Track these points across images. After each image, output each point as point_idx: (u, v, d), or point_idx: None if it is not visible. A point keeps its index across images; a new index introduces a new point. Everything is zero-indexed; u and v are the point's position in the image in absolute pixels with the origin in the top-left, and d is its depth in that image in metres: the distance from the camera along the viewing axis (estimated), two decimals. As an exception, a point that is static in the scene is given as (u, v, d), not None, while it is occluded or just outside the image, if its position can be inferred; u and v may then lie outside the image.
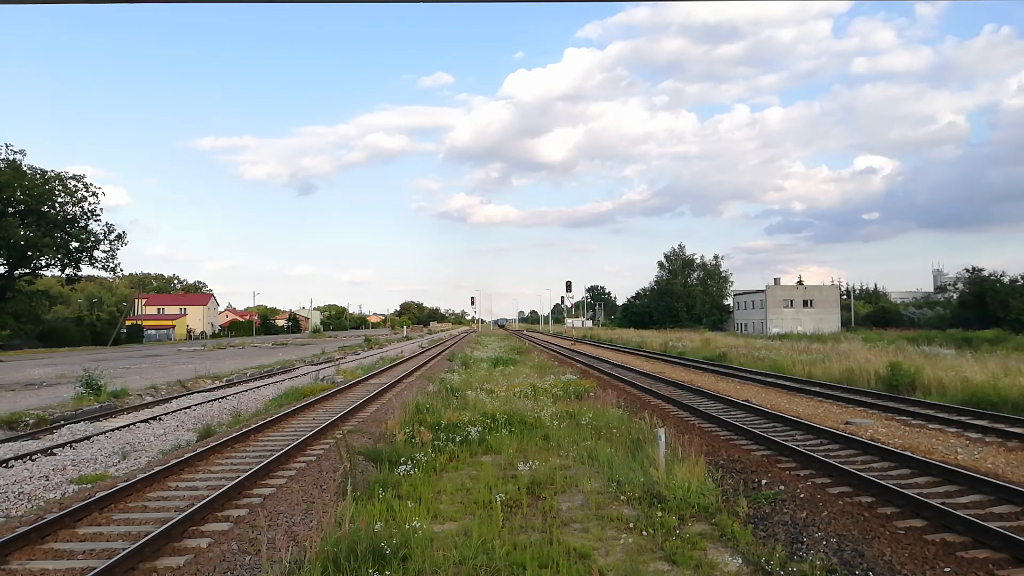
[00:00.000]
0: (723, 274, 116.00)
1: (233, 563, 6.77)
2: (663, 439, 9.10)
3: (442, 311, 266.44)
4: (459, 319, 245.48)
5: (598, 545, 6.78)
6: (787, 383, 21.52)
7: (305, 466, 10.94)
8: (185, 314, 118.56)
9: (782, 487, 9.01)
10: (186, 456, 11.34)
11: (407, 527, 6.74)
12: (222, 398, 22.09)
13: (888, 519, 7.64)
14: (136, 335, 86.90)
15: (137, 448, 13.90)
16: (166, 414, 18.44)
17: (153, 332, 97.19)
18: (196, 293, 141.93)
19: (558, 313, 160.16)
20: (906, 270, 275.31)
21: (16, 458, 12.48)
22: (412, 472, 9.36)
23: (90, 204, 68.90)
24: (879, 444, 11.26)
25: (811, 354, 28.74)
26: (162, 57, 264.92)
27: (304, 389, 22.30)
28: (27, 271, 67.79)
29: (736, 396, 18.42)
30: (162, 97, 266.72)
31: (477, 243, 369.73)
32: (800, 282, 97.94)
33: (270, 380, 28.48)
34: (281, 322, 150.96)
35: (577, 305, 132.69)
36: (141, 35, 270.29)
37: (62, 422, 17.21)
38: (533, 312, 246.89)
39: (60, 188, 66.87)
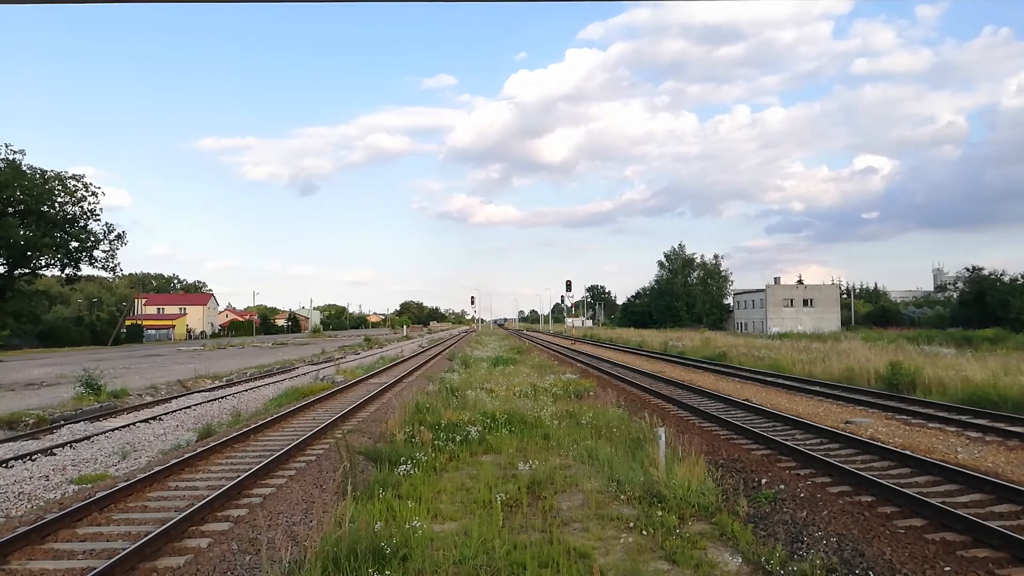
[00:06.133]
0: (723, 273, 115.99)
1: (233, 563, 6.77)
2: (663, 438, 9.10)
3: (442, 311, 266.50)
4: (459, 319, 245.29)
5: (598, 544, 6.78)
6: (787, 382, 21.51)
7: (305, 466, 10.94)
8: (185, 314, 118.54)
9: (782, 486, 9.01)
10: (186, 456, 11.34)
11: (407, 527, 6.74)
12: (222, 398, 22.09)
13: (888, 518, 7.64)
14: (136, 335, 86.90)
15: (137, 448, 13.90)
16: (166, 414, 18.44)
17: (153, 332, 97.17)
18: (196, 293, 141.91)
19: (558, 313, 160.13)
20: (906, 269, 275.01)
21: (16, 458, 12.47)
22: (412, 472, 9.36)
23: (90, 204, 68.88)
24: (879, 443, 11.26)
25: (811, 353, 28.72)
26: (164, 57, 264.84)
27: (304, 389, 22.30)
28: (27, 271, 67.74)
29: (736, 395, 18.42)
30: (164, 98, 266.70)
31: (477, 243, 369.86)
32: (800, 281, 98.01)
33: (270, 380, 28.48)
34: (281, 322, 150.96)
35: (577, 305, 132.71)
36: (142, 35, 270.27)
37: (62, 422, 17.20)
38: (533, 312, 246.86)
39: (60, 188, 66.82)
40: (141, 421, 17.09)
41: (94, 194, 69.02)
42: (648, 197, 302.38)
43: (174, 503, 8.90)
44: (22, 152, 65.54)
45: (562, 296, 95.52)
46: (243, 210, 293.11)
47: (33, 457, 12.74)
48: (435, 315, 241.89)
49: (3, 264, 65.24)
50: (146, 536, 7.10)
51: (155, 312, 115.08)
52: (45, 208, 65.60)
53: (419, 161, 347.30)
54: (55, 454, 13.17)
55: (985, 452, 11.08)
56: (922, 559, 6.47)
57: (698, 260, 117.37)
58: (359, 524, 6.45)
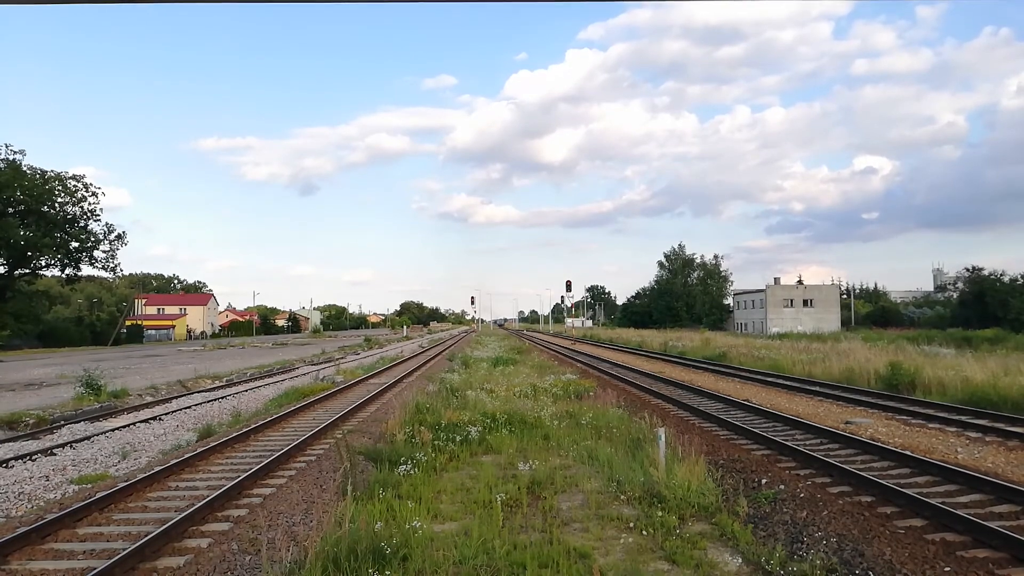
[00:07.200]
0: (723, 274, 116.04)
1: (233, 563, 6.77)
2: (663, 439, 9.10)
3: (442, 311, 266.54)
4: (459, 319, 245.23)
5: (598, 545, 6.78)
6: (787, 382, 21.51)
7: (305, 466, 10.94)
8: (185, 314, 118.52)
9: (782, 486, 9.01)
10: (186, 456, 11.34)
11: (407, 527, 6.74)
12: (222, 398, 22.09)
13: (888, 518, 7.64)
14: (136, 335, 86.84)
15: (137, 448, 13.90)
16: (166, 414, 18.44)
17: (153, 332, 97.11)
18: (196, 293, 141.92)
19: (558, 313, 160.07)
20: (906, 270, 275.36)
21: (16, 458, 12.47)
22: (412, 472, 9.37)
23: (90, 204, 69.06)
24: (879, 443, 11.26)
25: (811, 353, 28.72)
26: (165, 58, 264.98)
27: (304, 389, 22.30)
28: (27, 271, 67.83)
29: (736, 395, 18.42)
30: (165, 98, 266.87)
31: (477, 243, 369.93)
32: (800, 282, 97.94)
33: (270, 380, 28.47)
34: (281, 322, 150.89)
35: (577, 305, 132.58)
36: (143, 35, 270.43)
37: (62, 422, 17.20)
38: (533, 312, 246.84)
39: (60, 188, 66.92)
40: (141, 421, 17.09)
41: (94, 194, 69.21)
42: (648, 197, 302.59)
43: (174, 503, 8.90)
44: (22, 152, 65.81)
45: (562, 296, 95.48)
46: (243, 210, 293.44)
47: (33, 457, 12.74)
48: (435, 315, 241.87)
49: (3, 264, 65.31)
50: (146, 536, 7.10)
51: (155, 312, 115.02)
52: (45, 208, 65.70)
53: (419, 161, 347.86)
54: (55, 454, 13.17)
55: (985, 452, 11.09)
56: (922, 559, 6.47)
57: (698, 260, 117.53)
58: (359, 524, 6.45)
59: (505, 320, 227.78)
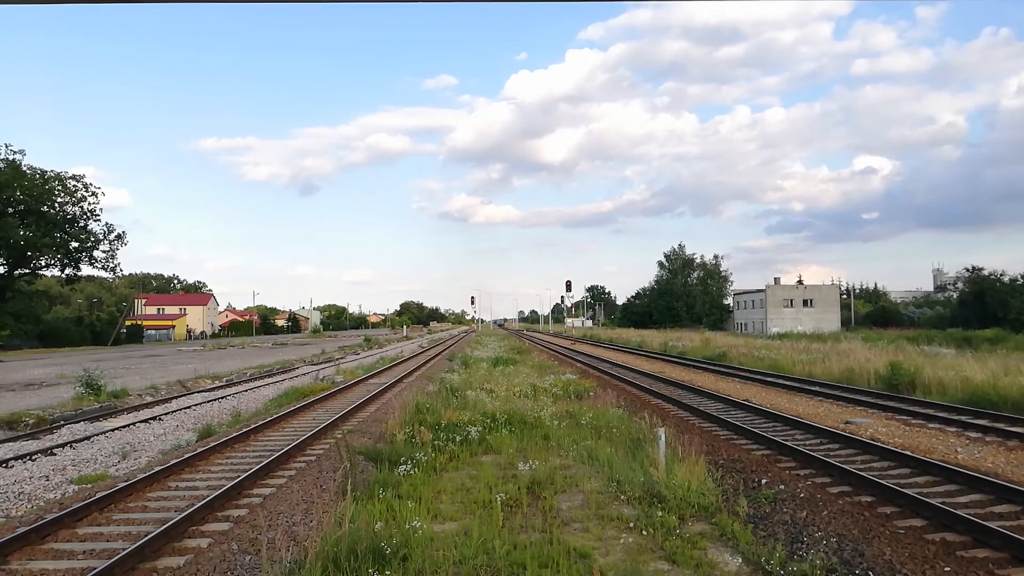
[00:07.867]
0: (723, 274, 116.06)
1: (233, 563, 6.77)
2: (663, 439, 9.10)
3: (442, 311, 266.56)
4: (459, 319, 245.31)
5: (598, 545, 6.78)
6: (787, 383, 21.51)
7: (305, 466, 10.94)
8: (185, 314, 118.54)
9: (782, 486, 9.01)
10: (186, 456, 11.34)
11: (407, 527, 6.74)
12: (222, 398, 22.09)
13: (888, 518, 7.64)
14: (136, 335, 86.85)
15: (137, 448, 13.90)
16: (166, 414, 18.44)
17: (153, 332, 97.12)
18: (196, 293, 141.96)
19: (558, 313, 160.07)
20: (906, 270, 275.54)
21: (16, 458, 12.47)
22: (412, 472, 9.36)
23: (90, 204, 69.17)
24: (879, 443, 11.26)
25: (811, 353, 28.71)
26: (165, 58, 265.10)
27: (304, 389, 22.30)
28: (27, 271, 67.88)
29: (736, 396, 18.42)
30: (165, 98, 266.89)
31: (477, 243, 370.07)
32: (800, 282, 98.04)
33: (270, 380, 28.47)
34: (281, 322, 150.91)
35: (577, 305, 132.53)
36: (142, 35, 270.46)
37: (62, 422, 17.20)
38: (533, 312, 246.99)
39: (60, 188, 66.99)
40: (141, 421, 17.09)
41: (94, 194, 69.31)
42: (648, 197, 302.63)
43: (174, 503, 8.90)
44: (22, 152, 65.94)
45: (562, 296, 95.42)
46: (243, 210, 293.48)
47: (33, 457, 12.74)
48: (435, 315, 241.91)
49: (3, 264, 65.36)
50: (146, 536, 7.10)
51: (155, 312, 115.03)
52: (45, 208, 65.77)
53: (419, 161, 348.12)
54: (55, 454, 13.17)
55: (985, 452, 11.09)
56: (922, 559, 6.47)
57: (698, 260, 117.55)
58: (359, 524, 6.45)
59: (505, 320, 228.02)
